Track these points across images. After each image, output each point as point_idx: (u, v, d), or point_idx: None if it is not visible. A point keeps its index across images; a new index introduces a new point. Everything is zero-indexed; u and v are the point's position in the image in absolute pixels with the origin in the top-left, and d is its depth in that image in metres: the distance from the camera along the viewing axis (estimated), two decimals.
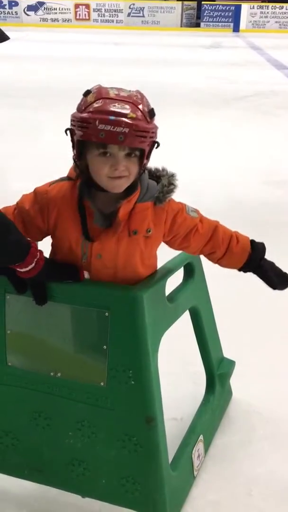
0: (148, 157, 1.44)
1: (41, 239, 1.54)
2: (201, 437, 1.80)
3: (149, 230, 1.47)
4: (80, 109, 1.39)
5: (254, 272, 1.66)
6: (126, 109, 1.34)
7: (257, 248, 1.64)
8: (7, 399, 1.58)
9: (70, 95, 9.97)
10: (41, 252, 1.41)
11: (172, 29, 22.61)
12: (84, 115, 1.35)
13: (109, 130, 1.32)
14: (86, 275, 1.50)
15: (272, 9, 23.02)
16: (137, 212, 1.46)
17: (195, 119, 7.03)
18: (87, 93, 1.40)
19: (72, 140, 1.41)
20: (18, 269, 1.39)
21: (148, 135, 1.37)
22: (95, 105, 1.35)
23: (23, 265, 1.38)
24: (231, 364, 2.07)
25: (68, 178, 1.50)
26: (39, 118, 6.65)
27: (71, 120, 1.39)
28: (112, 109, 1.34)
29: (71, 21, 23.57)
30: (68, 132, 1.40)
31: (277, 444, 1.94)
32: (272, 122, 6.98)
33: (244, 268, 1.65)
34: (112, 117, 1.32)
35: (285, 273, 1.68)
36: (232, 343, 2.12)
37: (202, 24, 23.71)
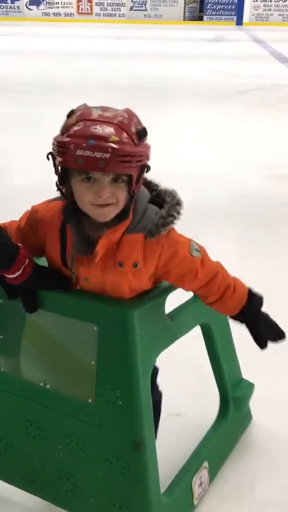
0: (138, 182, 1.30)
1: (40, 255, 1.47)
2: (205, 464, 1.69)
3: (136, 264, 1.34)
4: (61, 131, 1.27)
5: (245, 323, 1.52)
6: (108, 132, 1.21)
7: (253, 302, 1.49)
8: (1, 404, 1.55)
9: (72, 89, 9.85)
10: (30, 259, 1.37)
11: (175, 23, 22.49)
12: (63, 139, 1.24)
13: (88, 156, 1.19)
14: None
15: (275, 2, 22.87)
16: (125, 243, 1.33)
17: (197, 113, 6.99)
18: (70, 114, 1.28)
19: (54, 165, 1.30)
20: (5, 275, 1.36)
21: (135, 160, 1.24)
22: (75, 128, 1.23)
23: (10, 272, 1.34)
24: (249, 386, 1.91)
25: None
26: (41, 113, 6.63)
27: (52, 144, 1.28)
28: (93, 132, 1.21)
29: (73, 15, 23.48)
30: (50, 156, 1.29)
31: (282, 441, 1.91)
32: (275, 116, 6.94)
33: (234, 318, 1.52)
34: (91, 141, 1.20)
35: (278, 327, 1.54)
36: (253, 364, 1.99)
37: (205, 17, 23.59)
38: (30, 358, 1.50)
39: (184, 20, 23.34)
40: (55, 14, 23.45)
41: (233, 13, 23.17)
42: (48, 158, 1.30)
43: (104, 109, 1.28)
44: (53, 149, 1.28)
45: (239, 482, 1.76)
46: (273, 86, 8.85)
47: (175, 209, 1.36)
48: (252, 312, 1.51)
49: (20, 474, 1.58)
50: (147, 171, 1.32)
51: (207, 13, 23.57)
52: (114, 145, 1.20)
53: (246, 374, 1.94)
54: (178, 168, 4.72)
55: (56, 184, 1.34)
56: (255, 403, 1.98)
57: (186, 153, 5.33)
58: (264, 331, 1.52)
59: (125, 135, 1.23)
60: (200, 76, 9.80)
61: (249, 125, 6.47)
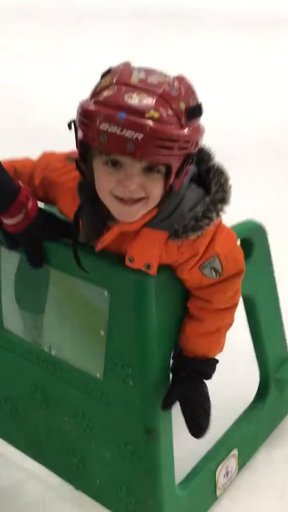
0: (178, 175, 1.02)
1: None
2: (234, 452, 1.52)
3: (149, 266, 1.10)
4: (91, 94, 1.02)
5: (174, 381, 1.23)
6: (147, 104, 0.94)
7: (210, 364, 1.22)
8: (6, 364, 1.44)
9: (97, 16, 9.32)
10: (35, 203, 1.16)
11: None
12: (88, 105, 0.98)
13: (114, 133, 0.93)
14: None
15: None
16: (142, 237, 1.09)
17: (233, 44, 6.48)
18: (105, 73, 1.02)
19: (76, 137, 1.03)
20: (4, 221, 1.15)
21: (177, 145, 0.96)
22: (106, 92, 0.97)
23: (8, 215, 1.14)
24: None
25: None
26: (66, 43, 6.23)
27: (76, 110, 1.02)
28: (126, 102, 0.94)
29: None
30: (72, 125, 1.03)
31: None
32: None
33: (177, 358, 1.24)
34: (122, 114, 0.93)
35: (204, 418, 1.21)
36: None
37: None
38: (36, 319, 1.34)
39: None
40: None
41: None
42: (70, 127, 1.04)
43: (149, 72, 1.00)
44: (76, 116, 1.02)
45: (270, 473, 1.61)
46: None
47: (216, 208, 1.08)
48: (194, 370, 1.20)
49: (24, 439, 1.50)
50: (190, 163, 1.04)
51: None
52: (151, 123, 0.94)
53: None
54: (209, 105, 4.41)
55: (76, 161, 1.08)
56: None
57: (216, 94, 4.96)
58: (186, 407, 1.20)
59: (169, 111, 0.96)
60: (235, 1, 9.15)
61: None
